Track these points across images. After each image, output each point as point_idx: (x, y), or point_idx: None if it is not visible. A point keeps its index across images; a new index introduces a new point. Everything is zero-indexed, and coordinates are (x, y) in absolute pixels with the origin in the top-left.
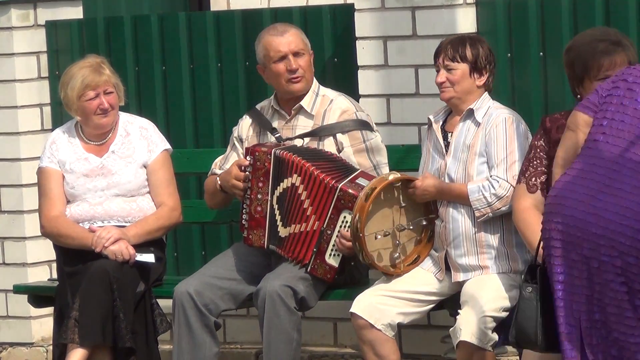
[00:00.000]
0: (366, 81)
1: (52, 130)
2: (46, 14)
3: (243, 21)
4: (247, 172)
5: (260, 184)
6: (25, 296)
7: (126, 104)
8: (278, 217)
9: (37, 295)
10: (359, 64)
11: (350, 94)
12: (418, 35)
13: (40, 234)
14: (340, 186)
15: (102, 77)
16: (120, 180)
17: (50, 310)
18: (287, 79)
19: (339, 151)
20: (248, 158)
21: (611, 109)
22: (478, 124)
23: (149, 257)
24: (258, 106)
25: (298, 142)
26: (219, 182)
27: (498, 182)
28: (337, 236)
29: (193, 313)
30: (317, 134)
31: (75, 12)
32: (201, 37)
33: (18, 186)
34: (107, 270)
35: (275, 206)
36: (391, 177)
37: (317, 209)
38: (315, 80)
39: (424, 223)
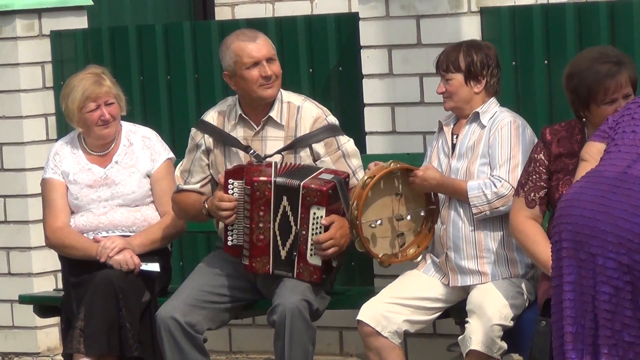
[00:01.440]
0: (371, 90)
1: (57, 140)
2: (51, 23)
3: None
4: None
5: (262, 213)
6: (31, 306)
7: (131, 114)
8: (280, 242)
9: (43, 306)
10: (363, 72)
11: (355, 102)
12: (423, 44)
13: (45, 244)
14: (302, 184)
15: (102, 88)
16: (124, 191)
17: (55, 320)
18: (260, 84)
19: (315, 160)
20: (231, 182)
21: (623, 124)
22: (483, 127)
23: (154, 267)
24: (209, 116)
25: (276, 158)
26: (207, 207)
27: (500, 181)
28: (312, 234)
29: (181, 335)
30: (293, 146)
31: (80, 22)
32: (206, 46)
33: (23, 196)
34: (112, 280)
35: (277, 232)
36: (391, 166)
37: (295, 216)
38: None
39: (422, 214)
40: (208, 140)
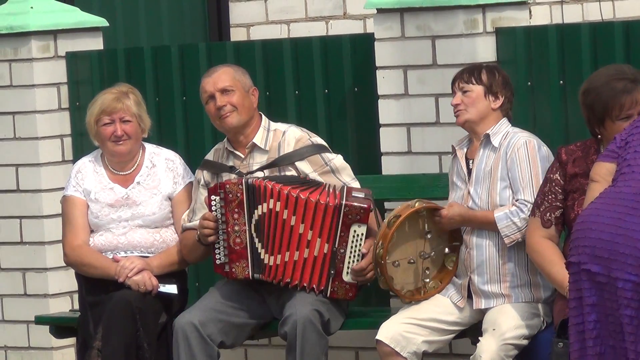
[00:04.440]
0: (387, 110)
1: (73, 161)
2: (66, 45)
3: (263, 51)
4: (215, 214)
5: (236, 216)
6: (47, 327)
7: (147, 135)
8: (259, 245)
9: (59, 326)
10: (379, 93)
11: (370, 123)
12: (438, 65)
13: (61, 265)
14: (344, 202)
15: (119, 104)
16: (144, 212)
17: (71, 340)
18: (218, 116)
19: None
20: (213, 198)
21: (633, 144)
22: (495, 150)
23: (172, 288)
24: (208, 155)
25: (259, 175)
26: (198, 234)
27: (526, 205)
28: (351, 252)
29: (197, 343)
30: (277, 164)
31: (96, 43)
32: None
33: (39, 217)
34: (130, 301)
35: (254, 234)
36: (417, 205)
37: (320, 232)
38: (264, 117)
39: (447, 251)
40: (206, 175)
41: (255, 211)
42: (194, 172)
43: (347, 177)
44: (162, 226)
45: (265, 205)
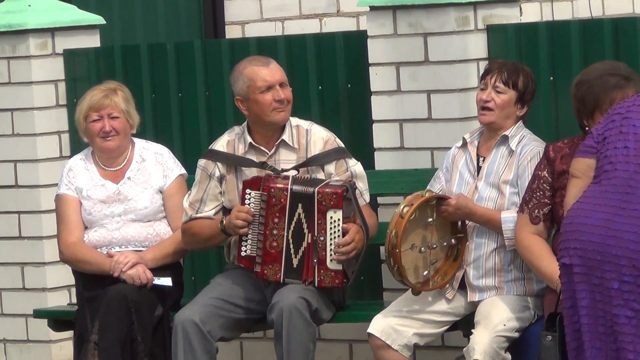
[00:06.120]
0: (379, 107)
1: (70, 157)
2: (64, 42)
3: (258, 49)
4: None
5: (276, 220)
6: (45, 320)
7: (143, 131)
8: (292, 250)
9: (57, 320)
10: (372, 89)
11: (363, 119)
12: (430, 61)
13: (59, 259)
14: (316, 189)
15: (107, 100)
16: (136, 206)
17: (69, 334)
18: (273, 108)
19: None
20: (248, 192)
21: (612, 140)
22: (511, 152)
23: (166, 281)
24: (219, 145)
25: (292, 172)
26: (225, 223)
27: None
28: (331, 239)
29: (197, 340)
30: (308, 164)
31: (93, 41)
32: (217, 64)
33: (37, 212)
34: (125, 295)
35: (291, 240)
36: (427, 195)
37: (309, 223)
38: None
39: (453, 242)
40: (221, 168)
41: (294, 217)
42: (188, 167)
43: (362, 185)
44: (155, 219)
45: (297, 210)
